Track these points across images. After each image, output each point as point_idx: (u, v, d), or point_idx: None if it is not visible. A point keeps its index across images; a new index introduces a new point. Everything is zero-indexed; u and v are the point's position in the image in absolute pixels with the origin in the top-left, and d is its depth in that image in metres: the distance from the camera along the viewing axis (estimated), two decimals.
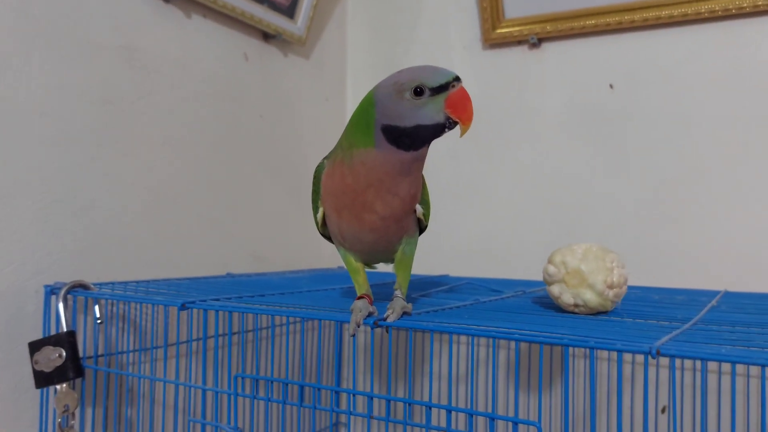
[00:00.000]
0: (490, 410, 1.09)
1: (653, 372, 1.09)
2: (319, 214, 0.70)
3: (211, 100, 1.12)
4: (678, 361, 1.07)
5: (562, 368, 1.17)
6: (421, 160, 0.65)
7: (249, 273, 1.17)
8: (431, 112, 0.61)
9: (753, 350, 0.48)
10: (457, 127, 0.63)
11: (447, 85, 0.62)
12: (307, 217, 1.26)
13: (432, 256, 1.32)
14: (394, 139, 0.62)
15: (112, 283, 0.90)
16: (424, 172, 0.73)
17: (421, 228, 0.72)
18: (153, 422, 0.85)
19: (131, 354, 0.90)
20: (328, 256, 1.37)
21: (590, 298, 0.70)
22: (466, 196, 1.33)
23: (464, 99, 0.62)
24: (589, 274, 0.70)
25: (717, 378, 1.05)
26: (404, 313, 0.65)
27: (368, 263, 0.75)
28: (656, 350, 0.48)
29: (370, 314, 0.64)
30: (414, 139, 0.62)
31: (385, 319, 0.63)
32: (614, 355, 1.10)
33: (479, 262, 1.30)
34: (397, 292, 0.68)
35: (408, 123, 0.61)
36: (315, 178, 0.70)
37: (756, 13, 1.08)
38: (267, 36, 1.23)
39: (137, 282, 0.93)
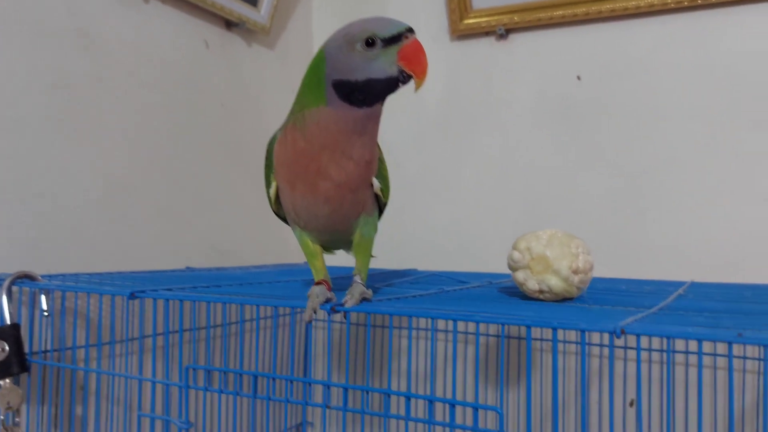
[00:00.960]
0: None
1: (621, 366, 1.08)
2: (272, 189, 0.67)
3: (170, 88, 1.08)
4: (645, 354, 1.06)
5: (524, 362, 1.15)
6: (376, 119, 0.62)
7: (210, 267, 1.13)
8: (384, 64, 0.59)
9: (720, 330, 0.47)
10: (412, 82, 0.60)
11: (400, 36, 0.59)
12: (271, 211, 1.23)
13: (399, 250, 1.30)
14: (345, 94, 0.59)
15: (63, 275, 0.86)
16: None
17: (381, 207, 0.69)
18: (101, 418, 0.82)
19: (80, 348, 0.85)
20: (295, 251, 1.33)
21: (555, 283, 0.68)
22: (435, 189, 1.31)
23: (418, 51, 0.59)
24: (554, 259, 0.68)
25: (684, 370, 1.04)
26: (363, 299, 0.62)
27: (326, 247, 0.72)
28: (620, 329, 0.46)
29: (327, 300, 0.61)
30: (366, 94, 0.59)
31: (343, 305, 0.60)
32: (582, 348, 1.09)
33: (448, 255, 1.28)
34: (356, 278, 0.66)
35: (360, 76, 0.59)
36: (267, 151, 0.67)
37: (722, 3, 1.08)
38: (229, 24, 1.20)
39: (90, 274, 0.89)
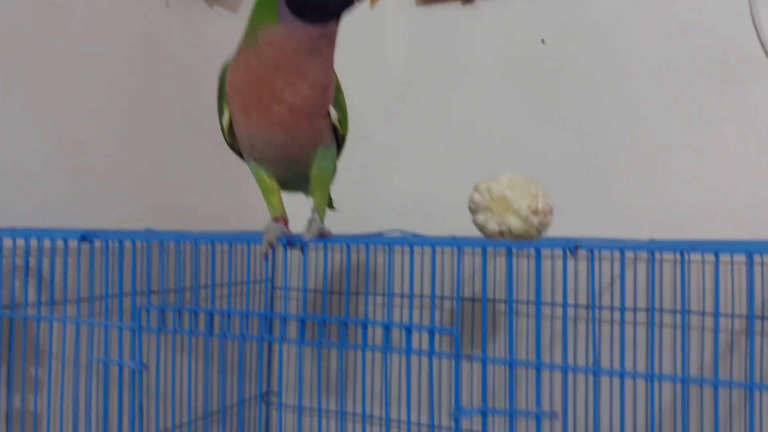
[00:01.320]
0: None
1: (583, 327, 1.09)
2: (225, 118, 0.65)
3: (128, 46, 1.06)
4: (606, 313, 1.07)
5: (481, 326, 1.16)
6: (331, 40, 0.61)
7: (171, 230, 1.11)
8: None
9: (672, 243, 0.47)
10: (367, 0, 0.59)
11: None
12: (237, 174, 1.21)
13: (364, 216, 1.29)
14: (299, 10, 0.57)
15: (12, 228, 0.83)
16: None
17: (339, 142, 0.68)
18: (54, 368, 0.79)
19: (30, 299, 0.83)
20: (261, 218, 1.32)
21: (515, 224, 0.68)
22: (400, 155, 1.30)
23: None
24: (514, 200, 0.68)
25: (645, 329, 1.05)
26: (321, 235, 0.61)
27: (283, 185, 0.70)
28: (575, 245, 0.46)
29: (284, 234, 0.60)
30: (320, 10, 0.57)
31: (300, 238, 0.59)
32: (543, 310, 1.10)
33: (412, 220, 1.27)
34: (314, 215, 0.65)
35: None
36: (220, 78, 0.65)
37: None
38: None
39: (40, 229, 0.87)
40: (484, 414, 0.46)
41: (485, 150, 1.23)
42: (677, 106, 1.10)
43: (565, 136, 1.17)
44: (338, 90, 0.65)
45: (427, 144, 1.28)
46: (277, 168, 0.66)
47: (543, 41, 1.19)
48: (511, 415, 0.45)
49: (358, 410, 1.18)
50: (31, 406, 0.79)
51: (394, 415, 1.15)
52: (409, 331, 0.50)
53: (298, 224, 0.83)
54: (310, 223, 0.62)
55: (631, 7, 1.13)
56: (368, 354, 1.15)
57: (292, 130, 0.61)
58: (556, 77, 1.18)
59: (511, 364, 0.48)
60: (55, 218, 0.93)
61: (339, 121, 0.65)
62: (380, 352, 0.52)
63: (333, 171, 0.67)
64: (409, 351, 0.50)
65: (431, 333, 0.49)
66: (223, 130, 0.66)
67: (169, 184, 1.14)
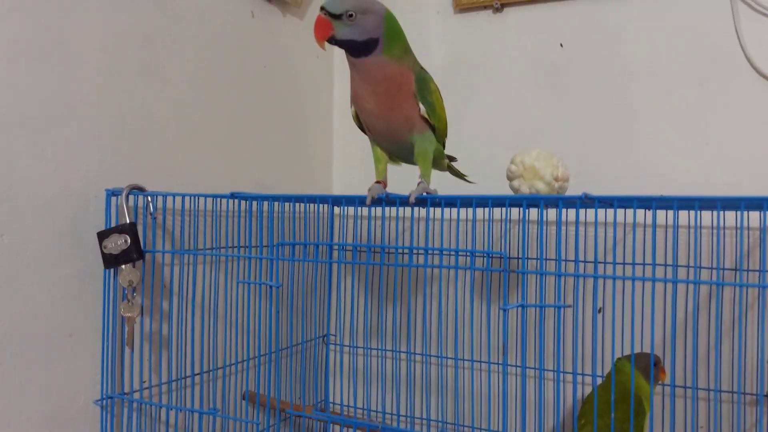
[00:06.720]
0: None
1: (591, 283, 1.34)
2: (352, 111, 0.91)
3: (225, 49, 1.32)
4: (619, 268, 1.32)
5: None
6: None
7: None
8: None
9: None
10: None
11: None
12: (301, 151, 1.49)
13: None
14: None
15: (157, 193, 1.10)
16: None
17: (433, 128, 0.93)
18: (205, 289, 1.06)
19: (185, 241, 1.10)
20: (321, 187, 1.59)
21: (542, 187, 0.93)
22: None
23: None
24: (541, 169, 0.93)
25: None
26: (427, 193, 0.86)
27: (397, 158, 0.96)
28: (586, 195, 0.71)
29: (382, 192, 0.86)
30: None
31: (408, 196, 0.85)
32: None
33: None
34: (422, 182, 0.89)
35: None
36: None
37: None
38: None
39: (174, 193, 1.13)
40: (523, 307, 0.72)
41: (510, 136, 1.49)
42: (671, 99, 1.35)
43: (577, 124, 1.43)
44: (429, 92, 0.90)
45: (461, 132, 1.53)
46: (386, 145, 0.92)
47: (561, 45, 1.43)
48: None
49: (403, 348, 1.44)
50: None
51: (434, 351, 1.41)
52: (473, 255, 0.76)
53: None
54: (418, 185, 0.87)
55: (636, 17, 1.38)
56: (416, 298, 1.41)
57: (385, 120, 0.87)
58: (572, 75, 1.43)
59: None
60: (176, 183, 1.19)
61: (428, 114, 0.90)
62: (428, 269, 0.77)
63: (432, 149, 0.92)
64: (473, 269, 0.76)
65: (488, 255, 0.75)
66: (353, 117, 0.92)
67: (252, 159, 1.40)
